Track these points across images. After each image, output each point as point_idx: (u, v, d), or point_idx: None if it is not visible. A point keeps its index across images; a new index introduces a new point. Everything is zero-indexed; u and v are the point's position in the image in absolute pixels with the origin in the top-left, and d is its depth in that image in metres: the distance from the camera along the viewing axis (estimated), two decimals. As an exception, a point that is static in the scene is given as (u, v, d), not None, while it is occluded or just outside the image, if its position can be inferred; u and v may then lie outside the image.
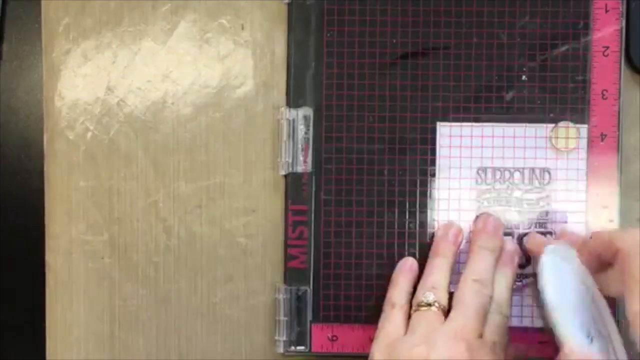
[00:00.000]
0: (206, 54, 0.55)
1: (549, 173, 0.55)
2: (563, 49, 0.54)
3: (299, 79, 0.55)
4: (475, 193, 0.55)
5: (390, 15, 0.55)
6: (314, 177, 0.55)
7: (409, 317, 0.51)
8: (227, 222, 0.55)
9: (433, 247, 0.54)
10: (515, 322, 0.54)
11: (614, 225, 0.54)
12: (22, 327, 0.55)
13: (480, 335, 0.49)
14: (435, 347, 0.48)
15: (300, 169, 0.55)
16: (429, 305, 0.50)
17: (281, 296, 0.55)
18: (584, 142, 0.54)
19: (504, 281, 0.52)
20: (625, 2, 0.54)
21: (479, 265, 0.52)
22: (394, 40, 0.55)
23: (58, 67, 0.55)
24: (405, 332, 0.50)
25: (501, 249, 0.53)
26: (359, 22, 0.55)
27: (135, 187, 0.55)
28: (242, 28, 0.55)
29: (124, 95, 0.55)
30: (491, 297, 0.51)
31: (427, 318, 0.50)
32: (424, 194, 0.55)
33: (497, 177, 0.55)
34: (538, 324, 0.54)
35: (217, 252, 0.55)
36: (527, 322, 0.55)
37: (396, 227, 0.55)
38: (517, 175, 0.55)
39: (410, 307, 0.51)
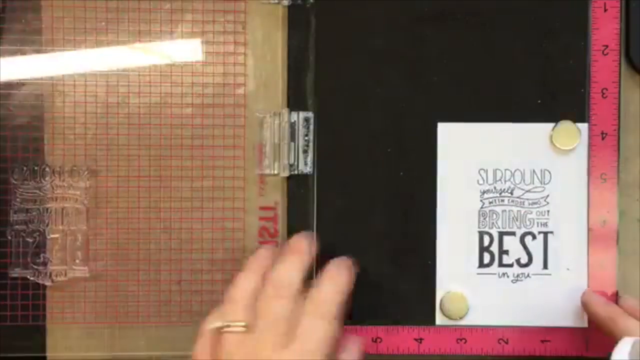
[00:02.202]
0: (206, 54, 0.55)
1: (550, 172, 0.55)
2: (562, 48, 0.54)
3: (300, 80, 0.55)
4: (477, 193, 0.55)
5: (389, 16, 0.55)
6: (315, 179, 0.55)
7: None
8: (228, 223, 0.55)
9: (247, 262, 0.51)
10: (516, 321, 0.54)
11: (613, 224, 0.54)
12: (23, 327, 0.55)
13: (285, 347, 0.47)
14: None
15: (301, 170, 0.55)
16: (224, 327, 0.48)
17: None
18: (584, 141, 0.54)
19: (327, 283, 0.49)
20: (624, 1, 0.54)
21: (281, 267, 0.49)
22: (394, 41, 0.55)
23: (58, 66, 0.55)
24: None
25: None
26: (358, 23, 0.55)
27: (136, 188, 0.55)
28: (242, 28, 0.55)
29: (124, 95, 0.55)
30: (298, 299, 0.48)
31: (226, 342, 0.48)
32: (425, 195, 0.55)
33: (498, 177, 0.55)
34: (539, 322, 0.54)
35: (217, 252, 0.55)
36: (528, 322, 0.54)
37: (397, 227, 0.54)
38: (517, 174, 0.55)
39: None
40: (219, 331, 0.48)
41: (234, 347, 0.47)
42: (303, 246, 0.51)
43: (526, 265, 0.54)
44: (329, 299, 0.48)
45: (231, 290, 0.49)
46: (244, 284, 0.49)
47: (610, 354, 0.46)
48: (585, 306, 0.53)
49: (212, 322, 0.48)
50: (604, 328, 0.51)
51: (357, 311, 0.54)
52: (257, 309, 0.48)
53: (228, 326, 0.48)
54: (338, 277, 0.50)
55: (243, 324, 0.48)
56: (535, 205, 0.55)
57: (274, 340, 0.47)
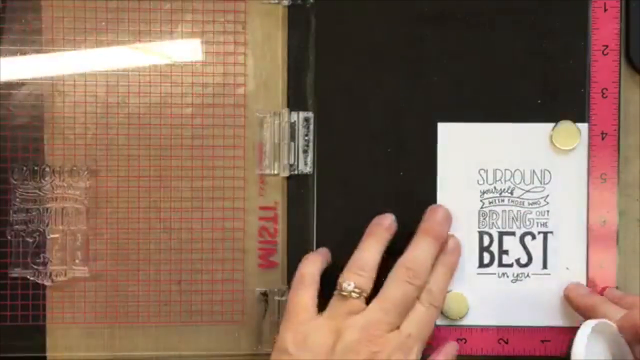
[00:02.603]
0: (206, 53, 0.55)
1: (550, 172, 0.55)
2: (562, 48, 0.54)
3: (300, 80, 0.55)
4: (477, 193, 0.55)
5: (389, 16, 0.55)
6: (315, 179, 0.55)
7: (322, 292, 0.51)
8: (228, 223, 0.55)
9: (368, 230, 0.53)
10: (516, 321, 0.54)
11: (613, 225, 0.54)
12: (23, 327, 0.55)
13: (396, 327, 0.50)
14: (342, 338, 0.49)
15: (301, 170, 0.55)
16: (350, 292, 0.50)
17: (282, 297, 0.55)
18: (584, 141, 0.54)
19: (442, 271, 0.52)
20: (624, 1, 0.54)
21: (417, 251, 0.52)
22: (394, 41, 0.55)
23: (58, 66, 0.55)
24: (318, 309, 0.51)
25: (446, 240, 0.53)
26: (358, 23, 0.55)
27: (136, 188, 0.55)
28: (242, 28, 0.55)
29: (124, 95, 0.55)
30: (423, 286, 0.51)
31: (345, 304, 0.50)
32: (426, 195, 0.55)
33: (498, 177, 0.55)
34: (539, 322, 0.54)
35: (217, 252, 0.55)
36: (528, 322, 0.54)
37: (398, 228, 0.54)
38: (517, 174, 0.55)
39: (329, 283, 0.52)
40: (343, 293, 0.50)
41: (347, 314, 0.50)
42: (441, 231, 0.53)
43: (526, 265, 0.54)
44: (441, 291, 0.52)
45: (362, 254, 0.52)
46: (373, 254, 0.52)
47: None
48: (568, 299, 0.54)
49: (347, 283, 0.50)
50: (587, 318, 0.51)
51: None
52: (384, 287, 0.50)
53: (354, 292, 0.50)
54: (451, 264, 0.53)
55: (366, 294, 0.50)
56: (535, 205, 0.55)
57: (388, 320, 0.49)
